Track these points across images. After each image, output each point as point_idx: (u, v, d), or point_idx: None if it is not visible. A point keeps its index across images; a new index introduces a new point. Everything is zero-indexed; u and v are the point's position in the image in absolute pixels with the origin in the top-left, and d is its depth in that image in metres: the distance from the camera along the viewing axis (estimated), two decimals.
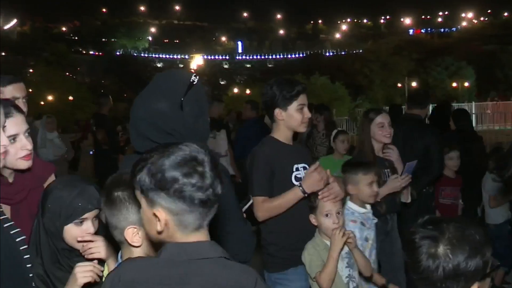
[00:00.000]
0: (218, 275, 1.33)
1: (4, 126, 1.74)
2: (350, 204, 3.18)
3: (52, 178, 2.31)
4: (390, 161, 3.69)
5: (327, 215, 2.76)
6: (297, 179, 2.90)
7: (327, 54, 76.94)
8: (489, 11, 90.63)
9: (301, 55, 78.22)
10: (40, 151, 5.72)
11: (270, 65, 78.06)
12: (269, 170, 2.86)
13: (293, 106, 2.88)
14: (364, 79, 46.09)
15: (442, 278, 1.41)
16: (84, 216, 1.90)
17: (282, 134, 2.98)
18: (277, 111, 2.90)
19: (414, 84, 44.15)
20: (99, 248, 1.88)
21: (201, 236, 1.38)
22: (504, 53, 51.20)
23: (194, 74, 1.96)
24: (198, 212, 1.34)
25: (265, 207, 2.82)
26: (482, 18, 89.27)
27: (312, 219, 2.84)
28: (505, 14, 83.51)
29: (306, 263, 2.78)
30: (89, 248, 1.88)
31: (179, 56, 78.12)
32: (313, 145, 6.38)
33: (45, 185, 2.22)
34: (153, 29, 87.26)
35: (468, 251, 1.40)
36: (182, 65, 71.96)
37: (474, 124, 11.83)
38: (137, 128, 1.93)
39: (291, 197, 2.79)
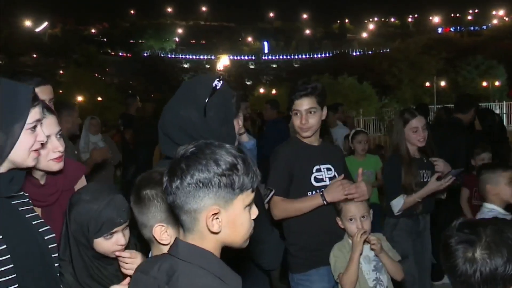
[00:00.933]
0: None
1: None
2: (490, 205, 3.14)
3: (83, 180, 2.33)
4: (429, 162, 3.64)
5: (351, 220, 2.76)
6: (317, 180, 2.92)
7: (354, 53, 76.29)
8: None
9: (327, 55, 77.77)
10: (84, 155, 5.29)
11: (296, 65, 77.87)
12: (287, 171, 2.88)
13: (293, 111, 2.95)
14: (392, 79, 45.44)
15: (480, 282, 1.40)
16: (114, 230, 1.86)
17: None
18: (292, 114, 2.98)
19: (443, 83, 43.43)
20: (136, 265, 1.81)
21: None
22: None
23: (218, 78, 1.93)
24: None
25: (283, 207, 2.85)
26: None
27: (338, 221, 2.84)
28: None
29: (331, 264, 2.79)
30: (126, 264, 1.84)
31: (205, 57, 78.60)
32: None
33: (76, 187, 2.23)
34: (180, 30, 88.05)
35: (506, 255, 1.38)
36: (208, 66, 72.49)
37: (506, 124, 11.60)
38: (165, 132, 1.93)
39: (311, 203, 2.83)
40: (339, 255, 2.77)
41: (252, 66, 79.84)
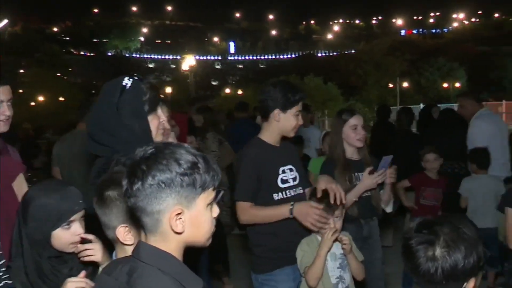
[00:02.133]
0: None
1: None
2: None
3: (20, 178, 2.32)
4: (367, 162, 3.48)
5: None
6: (283, 181, 2.92)
7: (320, 54, 77.03)
8: (480, 12, 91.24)
9: (294, 56, 78.27)
10: None
11: (262, 66, 78.09)
12: (255, 175, 2.87)
13: (293, 111, 2.91)
14: (357, 80, 46.18)
15: (442, 278, 1.44)
16: (71, 219, 1.89)
17: (271, 135, 2.99)
18: (276, 112, 2.90)
19: (406, 84, 44.35)
20: (96, 251, 1.87)
21: None
22: (496, 54, 51.49)
23: (128, 77, 2.07)
24: None
25: (251, 214, 2.85)
26: (473, 19, 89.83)
27: None
28: (496, 15, 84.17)
29: (298, 258, 2.79)
30: (85, 250, 1.87)
31: (171, 57, 78.00)
32: None
33: (15, 184, 2.27)
34: (145, 30, 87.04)
35: (464, 250, 1.44)
36: (174, 66, 71.94)
37: None
38: (88, 131, 2.11)
39: (278, 213, 2.83)
40: (307, 250, 2.77)
41: (218, 67, 79.65)
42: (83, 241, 1.89)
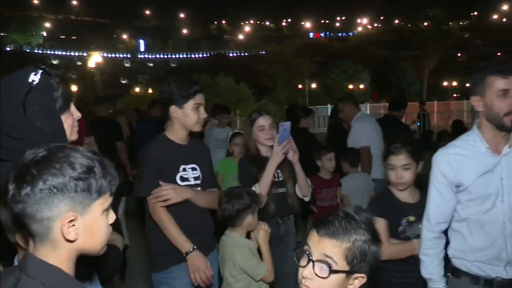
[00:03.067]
0: None
1: None
2: None
3: None
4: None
5: None
6: (182, 179, 2.92)
7: (231, 54, 77.40)
8: (381, 17, 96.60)
9: (205, 55, 77.97)
10: None
11: (173, 65, 77.04)
12: (157, 170, 2.84)
13: (189, 105, 2.89)
14: (268, 80, 46.88)
15: None
16: None
17: (176, 132, 2.97)
18: (172, 109, 2.89)
19: (314, 85, 45.74)
20: None
21: None
22: (396, 58, 54.66)
23: (35, 72, 1.71)
24: None
25: (163, 219, 2.85)
26: (376, 24, 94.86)
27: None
28: (396, 21, 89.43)
29: (242, 261, 2.84)
30: None
31: (76, 53, 74.63)
32: None
33: None
34: (48, 24, 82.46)
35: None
36: (80, 63, 68.96)
37: None
38: None
39: (180, 242, 2.84)
40: (247, 252, 2.88)
41: (127, 65, 77.38)
42: None
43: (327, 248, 1.49)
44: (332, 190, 4.93)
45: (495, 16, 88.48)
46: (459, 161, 2.37)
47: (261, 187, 3.29)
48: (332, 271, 1.48)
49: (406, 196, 2.83)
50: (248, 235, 2.99)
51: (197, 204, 2.93)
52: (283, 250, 3.40)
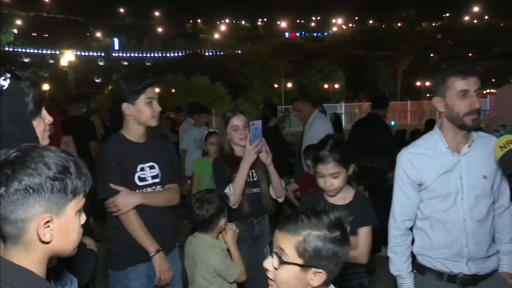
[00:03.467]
0: None
1: None
2: None
3: None
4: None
5: None
6: (140, 179, 2.87)
7: (207, 54, 77.08)
8: (356, 18, 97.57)
9: (181, 54, 77.45)
10: None
11: (148, 64, 76.31)
12: (119, 169, 2.80)
13: (141, 100, 2.82)
14: (244, 80, 46.83)
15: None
16: None
17: (132, 130, 2.91)
18: (124, 106, 2.84)
19: (290, 85, 45.88)
20: None
21: None
22: (370, 58, 55.29)
23: (4, 77, 1.65)
24: None
25: (130, 220, 2.83)
26: (350, 25, 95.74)
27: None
28: (371, 21, 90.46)
29: (216, 263, 2.81)
30: None
31: (49, 51, 73.22)
32: None
33: None
34: (19, 22, 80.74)
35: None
36: (52, 61, 67.72)
37: (344, 123, 12.91)
38: None
39: (146, 243, 2.83)
40: (221, 253, 2.87)
41: (101, 63, 76.31)
42: None
43: (280, 241, 1.55)
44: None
45: (466, 18, 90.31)
46: (421, 161, 2.43)
47: (235, 188, 3.27)
48: (282, 262, 1.53)
49: (335, 199, 2.78)
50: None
51: (152, 205, 2.88)
52: (258, 250, 3.38)
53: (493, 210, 2.46)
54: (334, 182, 2.68)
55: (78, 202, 1.28)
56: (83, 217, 1.34)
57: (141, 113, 2.83)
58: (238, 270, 2.84)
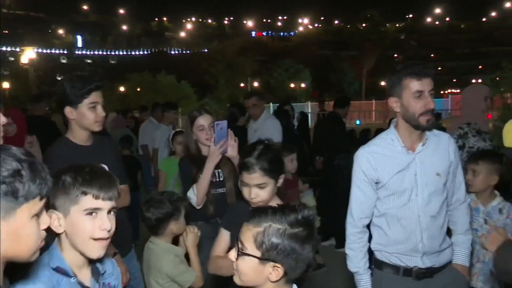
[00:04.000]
0: None
1: None
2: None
3: None
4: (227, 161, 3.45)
5: None
6: None
7: (173, 52, 76.46)
8: (322, 18, 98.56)
9: (146, 52, 76.59)
10: None
11: (113, 62, 75.18)
12: None
13: (84, 105, 2.68)
14: (210, 79, 46.63)
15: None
16: None
17: (76, 134, 2.78)
18: (67, 110, 2.70)
19: (256, 84, 46.04)
20: None
21: None
22: (336, 58, 55.99)
23: None
24: None
25: None
26: (316, 24, 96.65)
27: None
28: (336, 22, 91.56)
29: (169, 269, 2.74)
30: None
31: (8, 49, 71.22)
32: None
33: None
34: None
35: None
36: (12, 58, 65.89)
37: (309, 122, 13.06)
38: None
39: None
40: (175, 260, 2.79)
41: (64, 61, 74.72)
42: None
43: (243, 233, 1.59)
44: (296, 190, 4.88)
45: (429, 19, 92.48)
46: (377, 159, 2.48)
47: (198, 188, 3.22)
48: (240, 253, 1.57)
49: None
50: (178, 239, 2.90)
51: None
52: None
53: (446, 205, 2.55)
54: (260, 193, 2.31)
55: (33, 205, 1.22)
56: (45, 221, 1.29)
57: (84, 118, 2.71)
58: (194, 276, 2.74)
